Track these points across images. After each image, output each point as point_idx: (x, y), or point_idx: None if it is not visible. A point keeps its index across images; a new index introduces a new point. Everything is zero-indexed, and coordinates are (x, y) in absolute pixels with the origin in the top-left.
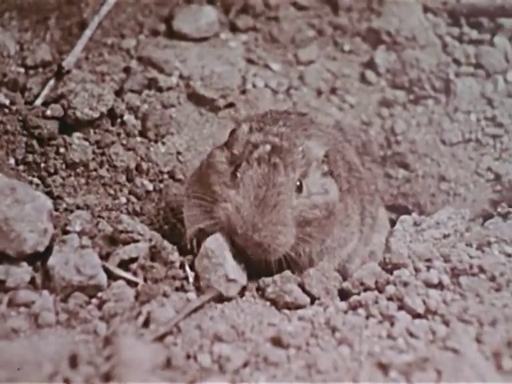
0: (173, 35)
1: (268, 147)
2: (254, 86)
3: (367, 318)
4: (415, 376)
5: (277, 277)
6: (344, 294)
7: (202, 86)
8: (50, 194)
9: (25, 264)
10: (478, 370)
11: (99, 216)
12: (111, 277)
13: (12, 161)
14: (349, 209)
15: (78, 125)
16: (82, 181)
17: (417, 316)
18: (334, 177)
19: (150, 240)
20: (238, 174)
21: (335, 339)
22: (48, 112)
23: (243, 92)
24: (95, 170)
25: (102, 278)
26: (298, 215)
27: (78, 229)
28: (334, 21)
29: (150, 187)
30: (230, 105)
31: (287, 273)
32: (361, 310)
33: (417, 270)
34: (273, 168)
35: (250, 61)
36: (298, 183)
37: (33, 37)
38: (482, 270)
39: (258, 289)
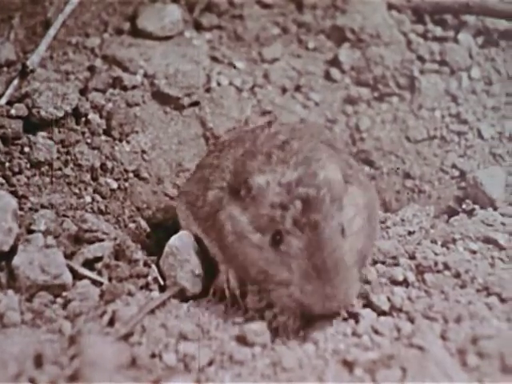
0: (137, 34)
1: (299, 205)
2: (219, 84)
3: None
4: (380, 373)
5: None
6: None
7: (166, 84)
8: (14, 193)
9: None
10: (443, 367)
11: (64, 215)
12: (76, 276)
13: None
14: None
15: (42, 124)
16: (47, 180)
17: (382, 313)
18: (349, 182)
19: (115, 239)
20: (283, 248)
21: (300, 337)
22: (12, 111)
23: (208, 90)
24: (60, 169)
25: (67, 277)
26: (353, 253)
27: (42, 228)
28: (299, 18)
29: (115, 186)
30: (195, 103)
31: None
32: None
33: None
34: (315, 228)
35: (214, 59)
36: (340, 227)
37: None
38: (446, 266)
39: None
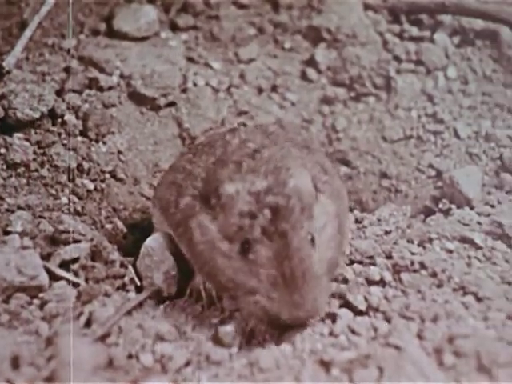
0: (113, 35)
1: (267, 214)
2: (195, 84)
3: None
4: (357, 373)
5: None
6: None
7: (142, 85)
8: None
9: None
10: (420, 367)
11: (40, 216)
12: (53, 277)
13: None
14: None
15: (18, 125)
16: (23, 181)
17: (359, 313)
18: (321, 191)
19: (92, 240)
20: (252, 257)
21: (277, 337)
22: None
23: (184, 91)
24: (36, 170)
25: (44, 278)
26: (323, 263)
27: (19, 229)
28: (275, 19)
29: (92, 187)
30: (171, 104)
31: None
32: None
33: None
34: (284, 237)
35: (190, 59)
36: (310, 237)
37: None
38: (423, 266)
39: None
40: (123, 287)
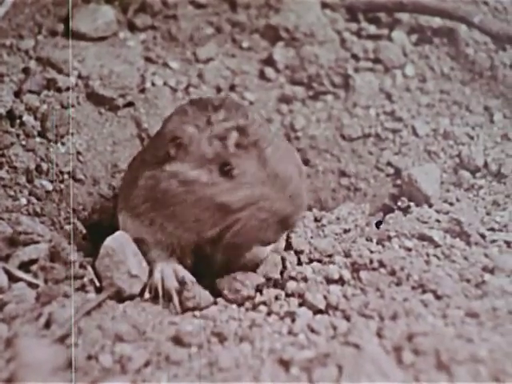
0: (71, 35)
1: (235, 133)
2: (153, 84)
3: (268, 314)
4: (316, 372)
5: None
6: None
7: (100, 85)
8: None
9: None
10: (379, 365)
11: None
12: (12, 278)
13: None
14: None
15: None
16: None
17: (318, 312)
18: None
19: (50, 241)
20: (236, 172)
21: (236, 336)
22: None
23: (142, 91)
24: None
25: (3, 279)
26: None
27: None
28: (233, 18)
29: (50, 188)
30: (130, 104)
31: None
32: (262, 307)
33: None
34: (258, 146)
35: (148, 59)
36: (276, 145)
37: None
38: (382, 264)
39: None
40: (82, 288)
